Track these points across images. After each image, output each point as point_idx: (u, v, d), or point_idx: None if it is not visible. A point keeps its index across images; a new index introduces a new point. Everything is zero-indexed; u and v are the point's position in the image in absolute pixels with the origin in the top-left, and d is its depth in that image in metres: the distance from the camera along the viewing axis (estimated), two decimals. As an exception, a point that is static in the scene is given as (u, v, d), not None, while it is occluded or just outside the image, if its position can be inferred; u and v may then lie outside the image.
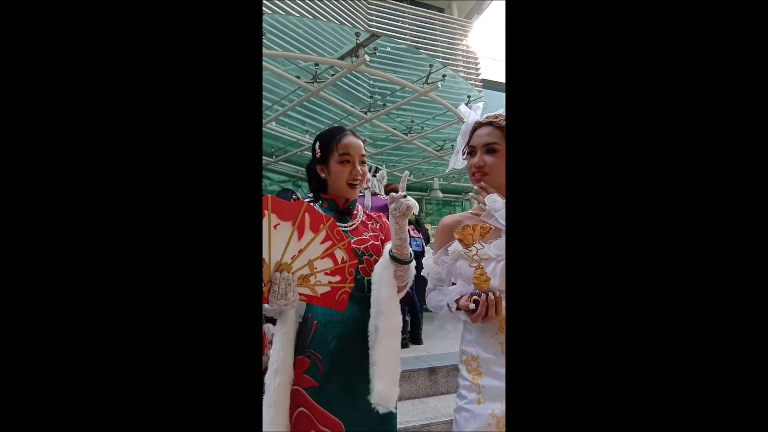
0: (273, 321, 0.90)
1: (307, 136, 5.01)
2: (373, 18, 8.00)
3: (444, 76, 4.08)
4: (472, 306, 0.78)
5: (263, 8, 5.41)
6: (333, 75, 3.85)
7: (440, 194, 6.91)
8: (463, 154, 0.98)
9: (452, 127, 4.87)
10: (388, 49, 4.35)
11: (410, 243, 2.98)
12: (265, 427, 0.79)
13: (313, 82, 3.90)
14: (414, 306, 3.29)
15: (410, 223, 3.14)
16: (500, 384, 0.78)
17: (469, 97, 4.68)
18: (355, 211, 1.04)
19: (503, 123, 0.91)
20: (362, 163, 1.00)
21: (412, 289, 3.22)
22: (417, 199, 5.51)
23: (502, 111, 0.94)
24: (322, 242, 0.83)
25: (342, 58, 3.69)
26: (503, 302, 0.79)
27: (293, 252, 0.80)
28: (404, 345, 3.13)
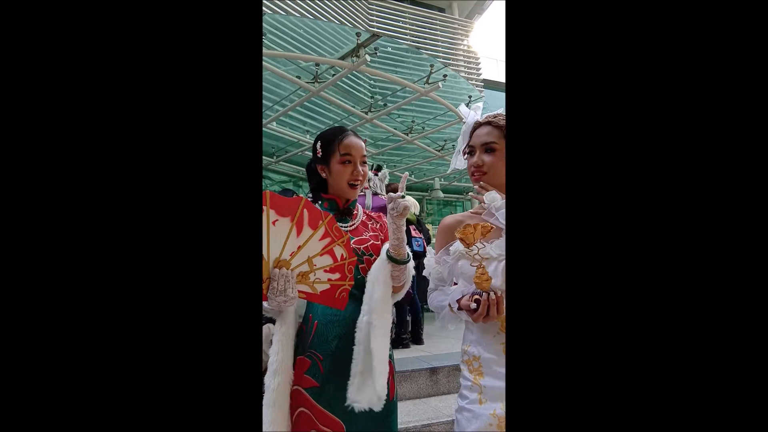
0: (273, 321, 0.90)
1: (307, 136, 5.02)
2: (374, 18, 8.00)
3: (445, 76, 4.08)
4: (473, 306, 0.78)
5: (264, 8, 5.41)
6: (334, 75, 3.86)
7: (441, 194, 6.91)
8: (464, 154, 0.98)
9: (453, 127, 4.87)
10: (389, 49, 4.36)
11: (412, 243, 2.94)
12: (265, 427, 0.78)
13: (313, 83, 3.91)
14: (415, 306, 3.29)
15: (411, 223, 3.14)
16: (502, 384, 0.78)
17: (470, 97, 4.68)
18: (355, 211, 1.04)
19: (502, 122, 0.91)
20: (363, 163, 1.00)
21: (414, 289, 3.22)
22: (418, 199, 5.52)
23: (500, 110, 0.94)
24: (321, 239, 0.82)
25: (343, 58, 3.69)
26: (504, 302, 0.79)
27: (292, 248, 0.80)
28: (405, 345, 3.13)
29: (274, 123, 4.69)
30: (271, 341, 0.85)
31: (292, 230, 0.80)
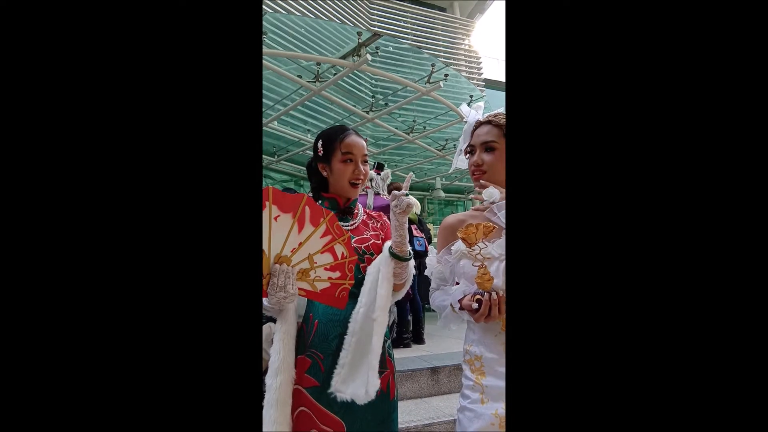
0: (274, 321, 0.90)
1: (309, 135, 5.01)
2: (375, 17, 8.00)
3: (446, 75, 4.07)
4: (474, 305, 0.78)
5: (265, 7, 5.42)
6: (335, 74, 3.85)
7: (442, 194, 6.90)
8: (465, 154, 0.98)
9: (454, 126, 4.86)
10: (390, 48, 4.35)
11: (413, 242, 2.94)
12: (267, 427, 0.78)
13: (315, 82, 3.91)
14: (416, 305, 3.29)
15: (413, 222, 3.14)
16: (504, 384, 0.78)
17: (471, 96, 4.67)
18: (356, 211, 1.04)
19: (501, 121, 0.91)
20: (364, 162, 1.00)
21: (415, 289, 3.22)
22: (419, 199, 5.52)
23: (501, 110, 0.94)
24: (322, 236, 0.83)
25: (344, 57, 3.69)
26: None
27: (293, 245, 0.80)
28: (407, 345, 3.13)
29: (275, 122, 4.69)
30: (271, 341, 0.85)
31: (293, 227, 0.80)
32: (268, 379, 0.80)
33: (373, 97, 4.65)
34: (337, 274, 0.84)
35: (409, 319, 3.26)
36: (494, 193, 0.83)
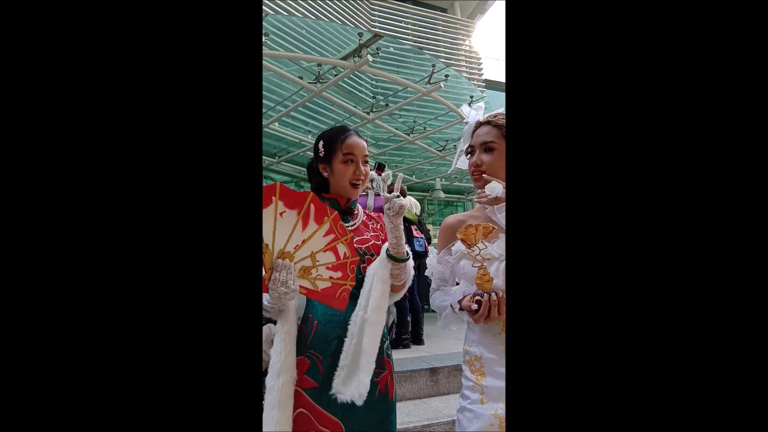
0: (274, 322, 0.90)
1: (309, 136, 5.02)
2: (376, 18, 8.00)
3: (447, 76, 4.08)
4: (474, 306, 0.78)
5: (266, 9, 5.42)
6: (336, 75, 3.86)
7: (442, 194, 6.90)
8: (466, 154, 0.98)
9: (455, 127, 4.87)
10: (391, 49, 4.36)
11: (413, 243, 2.92)
12: (269, 427, 0.77)
13: (315, 83, 3.91)
14: (415, 306, 3.29)
15: (413, 223, 3.14)
16: (504, 384, 0.78)
17: (471, 97, 4.67)
18: (356, 211, 1.04)
19: (501, 121, 0.91)
20: (365, 163, 1.00)
21: (414, 289, 3.22)
22: (419, 200, 5.52)
23: (500, 110, 0.94)
24: (325, 235, 0.83)
25: (345, 58, 3.69)
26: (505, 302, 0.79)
27: (296, 242, 0.80)
28: (406, 345, 3.13)
29: (276, 123, 4.69)
30: (272, 342, 0.85)
31: (298, 223, 0.80)
32: (270, 381, 0.80)
33: (373, 98, 4.66)
34: (339, 274, 0.84)
35: (408, 320, 3.26)
36: (497, 187, 0.83)
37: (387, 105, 4.58)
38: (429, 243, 3.28)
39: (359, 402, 0.80)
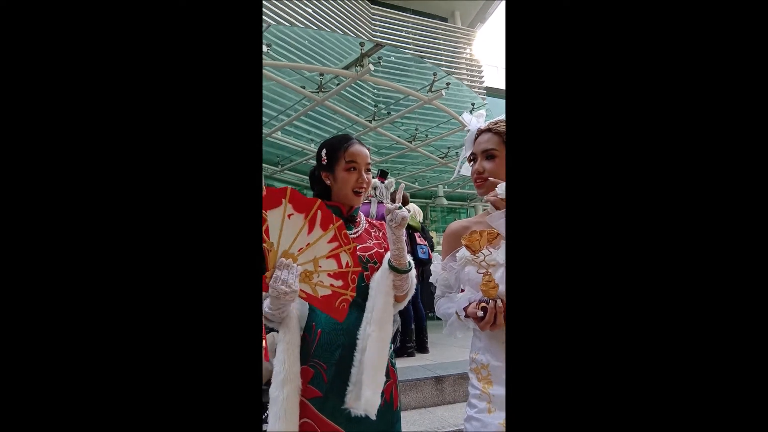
0: (277, 332, 0.89)
1: (312, 145, 5.05)
2: (377, 28, 8.10)
3: (448, 84, 4.11)
4: (480, 313, 0.78)
5: (269, 20, 5.50)
6: (338, 84, 3.89)
7: (445, 201, 6.90)
8: (468, 162, 0.99)
9: (456, 134, 4.89)
10: (392, 58, 4.40)
11: (417, 250, 2.90)
12: None
13: (318, 92, 3.95)
14: (419, 314, 3.27)
15: (416, 230, 3.13)
16: None
17: (473, 104, 4.70)
18: (358, 219, 1.04)
19: (501, 128, 0.91)
20: (367, 170, 1.01)
21: (417, 297, 3.20)
22: (422, 207, 5.52)
23: (501, 117, 0.95)
24: (329, 242, 0.84)
25: (347, 67, 3.73)
26: None
27: (301, 245, 0.81)
28: (410, 353, 3.10)
29: (279, 132, 4.73)
30: (275, 351, 0.84)
31: (304, 227, 0.81)
32: (274, 391, 0.79)
33: (375, 106, 4.69)
34: (340, 282, 0.84)
35: (412, 328, 3.24)
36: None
37: (389, 113, 4.61)
38: (432, 250, 3.27)
39: (372, 416, 0.80)
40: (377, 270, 0.96)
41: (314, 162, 1.07)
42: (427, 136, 5.06)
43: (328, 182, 1.02)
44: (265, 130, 4.58)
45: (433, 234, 4.60)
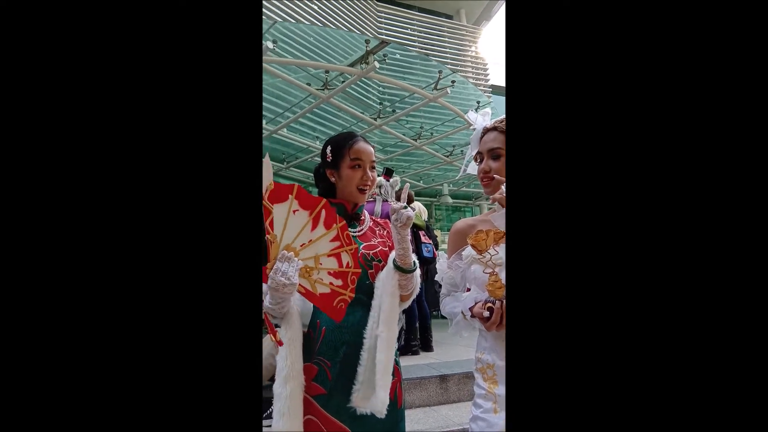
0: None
1: (317, 142, 5.06)
2: (383, 25, 8.08)
3: (453, 82, 4.09)
4: (486, 314, 0.77)
5: (274, 16, 5.50)
6: (343, 82, 3.89)
7: (450, 200, 6.89)
8: (475, 161, 0.98)
9: (461, 132, 4.87)
10: (398, 56, 4.38)
11: (422, 249, 2.89)
12: None
13: (323, 89, 3.95)
14: (424, 313, 3.27)
15: (421, 228, 3.13)
16: None
17: (478, 102, 4.67)
18: (363, 217, 1.04)
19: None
20: (372, 168, 1.00)
21: (422, 295, 3.19)
22: (426, 205, 5.52)
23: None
24: (332, 240, 0.85)
25: (352, 65, 3.73)
26: None
27: (303, 240, 0.83)
28: (415, 352, 3.10)
29: (285, 129, 4.74)
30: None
31: (308, 223, 0.83)
32: (277, 388, 0.79)
33: (380, 104, 4.68)
34: (340, 282, 0.85)
35: (417, 327, 3.23)
36: None
37: (394, 111, 4.60)
38: (437, 249, 3.26)
39: (381, 415, 0.81)
40: (382, 268, 0.96)
41: (319, 159, 1.06)
42: (432, 134, 5.04)
43: (332, 179, 1.01)
44: (270, 127, 4.60)
45: (437, 233, 4.59)
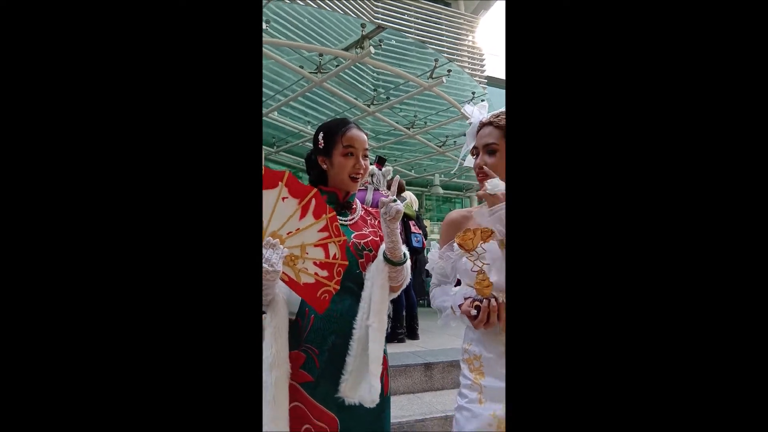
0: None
1: (309, 127, 4.98)
2: (379, 11, 7.93)
3: (449, 71, 4.05)
4: (473, 312, 0.78)
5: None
6: (337, 66, 3.82)
7: (441, 190, 6.90)
8: (472, 155, 0.98)
9: (455, 123, 4.85)
10: (394, 42, 4.31)
11: (411, 239, 2.90)
12: (265, 425, 0.76)
13: (316, 73, 3.87)
14: (411, 301, 3.30)
15: (411, 218, 3.13)
16: (503, 385, 0.77)
17: (473, 93, 4.65)
18: (354, 206, 1.03)
19: (502, 122, 0.90)
20: (365, 156, 0.99)
21: (410, 285, 3.21)
22: (417, 195, 5.53)
23: (502, 109, 0.93)
24: (320, 231, 0.84)
25: (347, 49, 3.65)
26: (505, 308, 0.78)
27: (290, 228, 0.82)
28: (401, 340, 3.13)
29: (276, 113, 4.65)
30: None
31: (296, 212, 0.82)
32: (263, 376, 0.79)
33: (374, 90, 4.62)
34: (325, 273, 0.84)
35: (403, 315, 3.27)
36: (498, 185, 0.82)
37: (388, 98, 4.55)
38: (426, 239, 3.27)
39: (369, 405, 0.82)
40: (372, 258, 0.96)
41: (311, 144, 1.04)
42: (425, 123, 5.01)
43: (324, 167, 1.00)
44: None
45: (427, 223, 4.60)
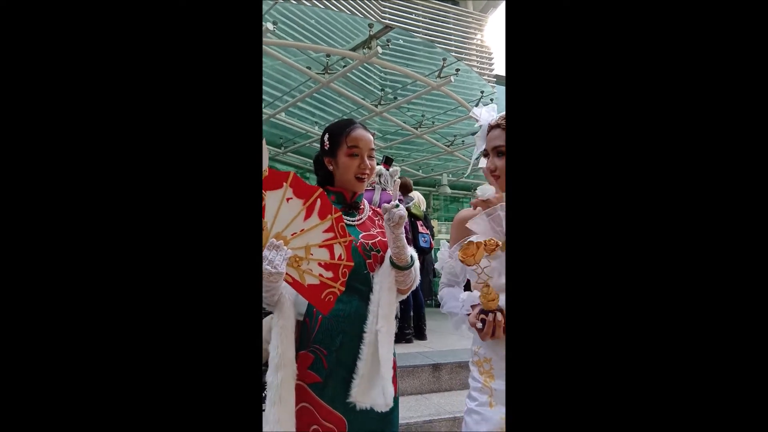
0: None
1: (316, 127, 5.00)
2: (387, 10, 7.92)
3: (458, 70, 4.02)
4: (479, 325, 0.78)
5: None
6: (344, 66, 3.82)
7: (449, 190, 6.87)
8: (483, 157, 0.97)
9: (463, 122, 4.81)
10: (401, 41, 4.30)
11: (419, 239, 2.90)
12: (270, 426, 0.76)
13: (324, 73, 3.88)
14: (418, 302, 3.29)
15: (418, 218, 3.12)
16: None
17: (482, 92, 4.61)
18: (362, 206, 1.02)
19: None
20: (371, 157, 0.98)
21: (417, 286, 3.20)
22: (425, 195, 5.51)
23: None
24: (325, 231, 0.83)
25: (354, 49, 3.65)
26: None
27: (295, 229, 0.81)
28: (408, 340, 3.13)
29: (283, 114, 4.67)
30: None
31: (301, 213, 0.81)
32: (269, 376, 0.79)
33: (382, 90, 4.61)
34: (330, 274, 0.84)
35: (411, 315, 3.26)
36: (487, 190, 0.83)
37: (395, 98, 4.54)
38: (433, 239, 3.26)
39: (381, 409, 0.82)
40: (380, 258, 0.96)
41: (318, 145, 1.04)
42: (433, 123, 4.99)
43: (330, 167, 1.00)
44: (268, 111, 4.53)
45: (434, 223, 4.59)
